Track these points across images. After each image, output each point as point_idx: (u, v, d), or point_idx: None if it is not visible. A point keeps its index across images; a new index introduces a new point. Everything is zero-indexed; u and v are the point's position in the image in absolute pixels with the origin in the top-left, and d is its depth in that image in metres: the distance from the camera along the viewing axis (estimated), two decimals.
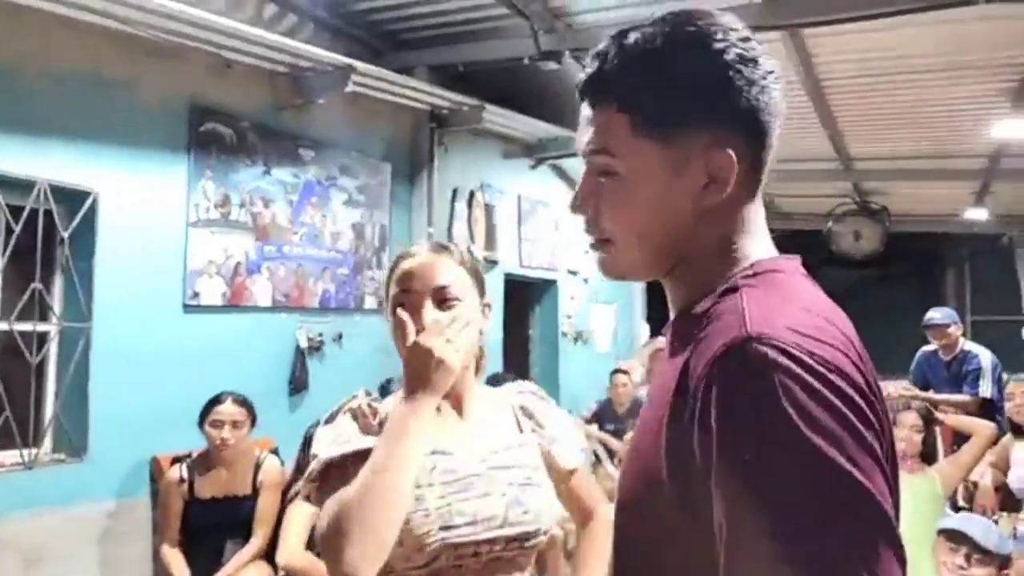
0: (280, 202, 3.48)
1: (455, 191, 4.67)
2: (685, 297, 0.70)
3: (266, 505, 2.55)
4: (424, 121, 4.23)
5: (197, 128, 3.11)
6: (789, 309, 0.61)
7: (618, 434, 4.51)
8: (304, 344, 3.55)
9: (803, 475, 0.53)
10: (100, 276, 2.83)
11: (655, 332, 6.92)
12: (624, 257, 0.71)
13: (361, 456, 1.00)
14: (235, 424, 2.57)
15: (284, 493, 2.60)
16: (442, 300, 1.09)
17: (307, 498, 1.15)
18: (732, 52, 0.65)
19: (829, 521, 0.52)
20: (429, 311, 1.07)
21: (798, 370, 0.55)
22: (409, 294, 1.10)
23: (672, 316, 0.73)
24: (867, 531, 0.53)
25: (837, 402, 0.55)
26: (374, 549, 0.94)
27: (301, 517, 2.42)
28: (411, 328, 1.04)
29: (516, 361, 5.84)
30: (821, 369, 0.56)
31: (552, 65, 3.98)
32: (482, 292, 1.18)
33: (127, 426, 2.82)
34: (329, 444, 1.06)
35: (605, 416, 4.68)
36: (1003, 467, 3.32)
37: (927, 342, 4.61)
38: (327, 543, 0.95)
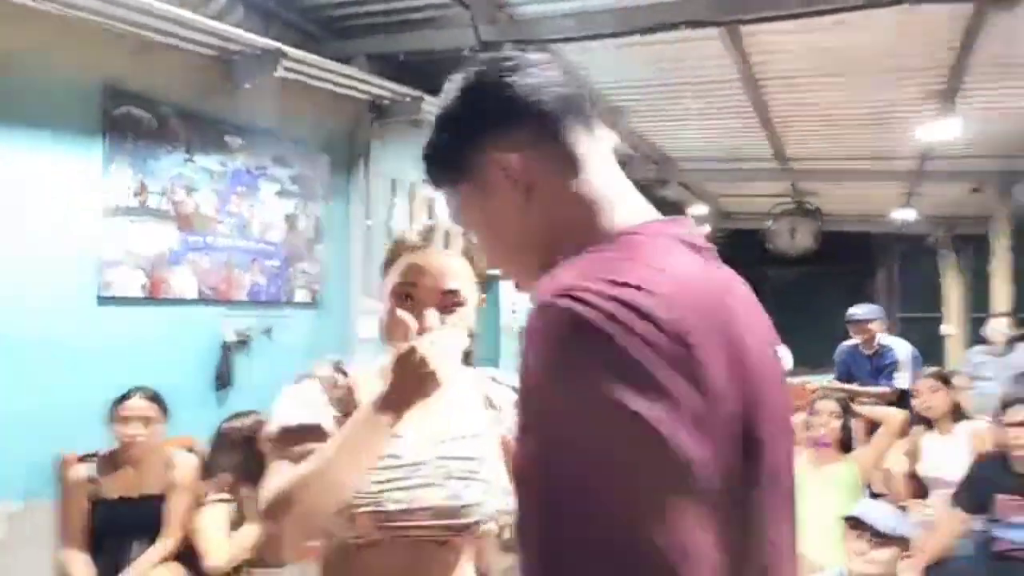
0: (205, 191, 3.34)
1: (394, 183, 4.58)
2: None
3: (177, 505, 2.44)
4: (364, 111, 4.13)
5: (112, 111, 2.95)
6: (620, 264, 0.61)
7: None
8: (231, 338, 3.42)
9: (580, 419, 0.54)
10: (2, 264, 2.66)
11: None
12: (522, 279, 0.75)
13: (316, 431, 1.03)
14: (145, 421, 2.45)
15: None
16: (448, 304, 1.08)
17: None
18: (489, 81, 0.74)
19: (604, 470, 0.52)
20: (433, 314, 1.06)
21: (584, 309, 0.55)
22: (417, 289, 1.08)
23: None
24: (650, 478, 0.52)
25: (631, 345, 0.54)
26: (311, 530, 1.01)
27: (218, 519, 2.33)
28: (413, 330, 1.03)
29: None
30: (623, 312, 0.55)
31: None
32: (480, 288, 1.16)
33: (32, 424, 2.66)
34: (292, 408, 1.07)
35: None
36: (914, 457, 3.45)
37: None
38: (271, 509, 0.97)
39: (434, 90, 4.26)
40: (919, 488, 3.45)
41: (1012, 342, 5.11)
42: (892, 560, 2.08)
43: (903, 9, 3.34)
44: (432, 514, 1.04)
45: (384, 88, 3.88)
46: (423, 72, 4.25)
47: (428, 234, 1.12)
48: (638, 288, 0.57)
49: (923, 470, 3.37)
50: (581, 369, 0.54)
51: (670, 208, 8.41)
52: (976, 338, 5.71)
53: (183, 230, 3.23)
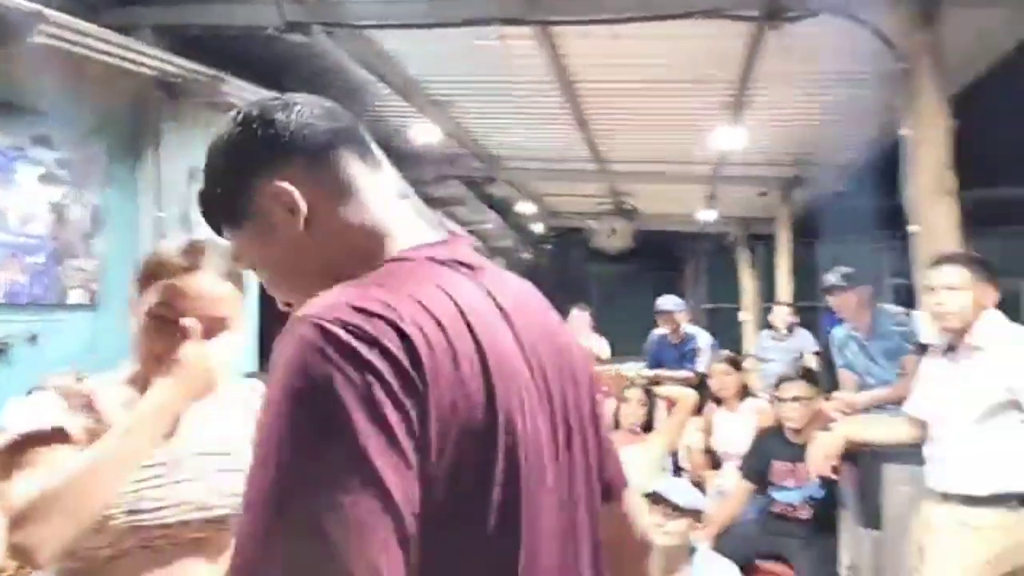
0: None
1: (192, 171, 4.18)
2: None
3: None
4: (150, 90, 3.71)
5: None
6: (366, 291, 0.64)
7: None
8: None
9: (289, 443, 0.56)
10: None
11: None
12: (300, 297, 0.74)
13: (59, 434, 1.01)
14: None
15: None
16: (214, 331, 1.08)
17: None
18: (256, 118, 0.75)
19: (304, 496, 0.54)
20: (192, 347, 1.06)
21: (317, 336, 0.59)
22: (176, 312, 1.07)
23: None
24: (342, 512, 0.54)
25: (352, 366, 0.57)
26: (71, 536, 0.95)
27: None
28: (196, 332, 1.05)
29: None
30: (345, 334, 0.59)
31: (299, 38, 3.72)
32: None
33: None
34: (25, 418, 1.03)
35: None
36: (707, 431, 3.76)
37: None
38: (25, 519, 0.93)
39: (234, 70, 4.00)
40: (713, 461, 3.76)
41: (792, 327, 5.76)
42: (686, 530, 2.23)
43: (695, 23, 3.61)
44: (193, 507, 1.05)
45: (172, 64, 3.52)
46: (221, 50, 3.93)
47: (194, 256, 1.09)
48: (373, 314, 0.60)
49: (715, 444, 3.67)
50: (304, 390, 0.58)
51: (499, 204, 8.65)
52: (766, 324, 6.37)
53: None
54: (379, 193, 0.76)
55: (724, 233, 9.71)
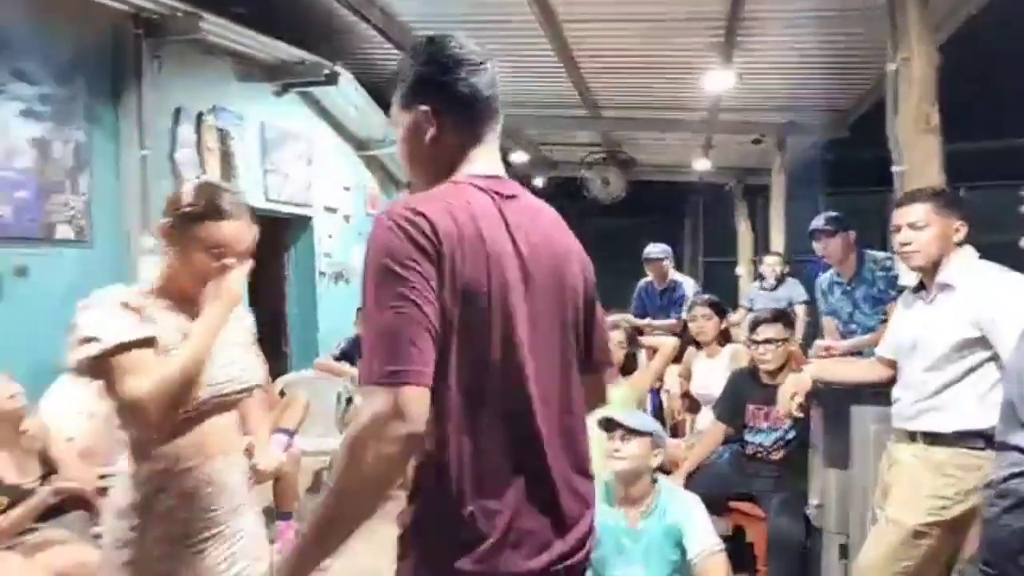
0: None
1: (178, 112, 4.14)
2: None
3: None
4: (128, 26, 3.64)
5: None
6: (424, 199, 1.08)
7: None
8: None
9: (372, 280, 1.02)
10: None
11: None
12: (410, 175, 1.21)
13: (148, 341, 1.44)
14: None
15: None
16: (240, 259, 1.54)
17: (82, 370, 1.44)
18: (427, 63, 1.15)
19: (380, 306, 1.00)
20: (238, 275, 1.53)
21: (388, 222, 1.03)
22: (226, 255, 1.50)
23: None
24: (396, 314, 0.99)
25: (396, 244, 1.01)
26: (183, 408, 1.45)
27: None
28: (234, 266, 1.52)
29: (271, 299, 5.51)
30: (390, 228, 1.02)
31: None
32: None
33: None
34: (115, 328, 1.41)
35: (355, 353, 4.59)
36: (687, 376, 3.80)
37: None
38: (153, 402, 1.39)
39: (216, 8, 3.91)
40: (694, 405, 3.82)
41: (782, 278, 5.76)
42: (643, 453, 2.27)
43: None
44: (233, 381, 1.56)
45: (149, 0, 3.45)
46: None
47: (239, 207, 1.52)
48: (419, 213, 1.03)
49: (694, 388, 3.72)
50: (378, 251, 1.02)
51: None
52: (759, 276, 6.37)
53: None
54: (471, 138, 1.16)
55: (721, 184, 9.63)
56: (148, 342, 1.43)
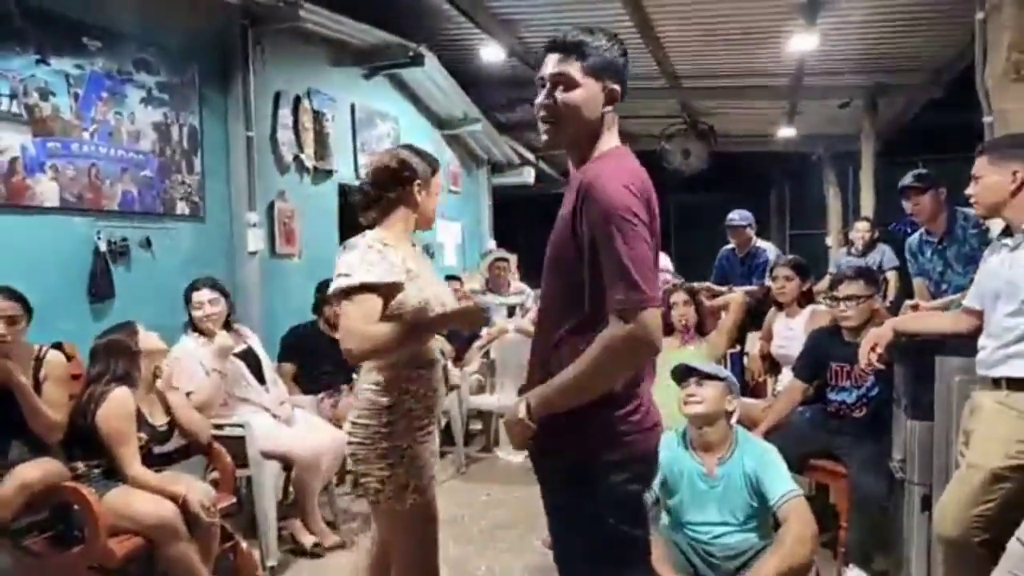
0: (62, 95, 3.17)
1: (278, 95, 4.46)
2: (580, 158, 1.51)
3: (52, 397, 2.45)
4: (236, 17, 3.96)
5: None
6: (619, 165, 1.44)
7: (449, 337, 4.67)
8: (104, 248, 3.33)
9: (616, 234, 1.35)
10: None
11: (502, 246, 7.14)
12: (558, 139, 1.50)
13: (396, 287, 1.81)
14: (11, 320, 2.41)
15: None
16: None
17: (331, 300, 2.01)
18: (616, 50, 1.49)
19: (624, 252, 1.35)
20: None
21: (613, 186, 1.37)
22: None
23: (572, 168, 1.54)
24: (640, 266, 1.35)
25: (631, 200, 1.37)
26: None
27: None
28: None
29: None
30: (624, 188, 1.38)
31: None
32: None
33: None
34: (362, 270, 1.78)
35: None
36: (767, 338, 3.79)
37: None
38: (356, 355, 1.81)
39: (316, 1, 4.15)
40: (774, 367, 3.81)
41: (873, 244, 5.58)
42: (719, 396, 2.34)
43: None
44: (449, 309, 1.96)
45: None
46: None
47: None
48: (638, 177, 1.43)
49: (773, 349, 3.71)
50: (616, 205, 1.36)
51: None
52: (848, 243, 6.18)
53: (40, 135, 3.07)
54: (615, 118, 1.52)
55: (808, 154, 9.31)
56: (385, 287, 1.78)
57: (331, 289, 1.83)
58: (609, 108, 1.48)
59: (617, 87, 1.48)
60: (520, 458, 4.58)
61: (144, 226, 3.59)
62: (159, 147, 3.65)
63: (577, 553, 1.51)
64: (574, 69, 1.44)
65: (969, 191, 2.18)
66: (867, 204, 6.85)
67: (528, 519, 3.42)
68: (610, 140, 1.50)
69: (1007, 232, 2.15)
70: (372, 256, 1.80)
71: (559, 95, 1.45)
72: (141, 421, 2.57)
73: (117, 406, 2.46)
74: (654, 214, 1.45)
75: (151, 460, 2.60)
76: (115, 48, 3.41)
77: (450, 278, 5.01)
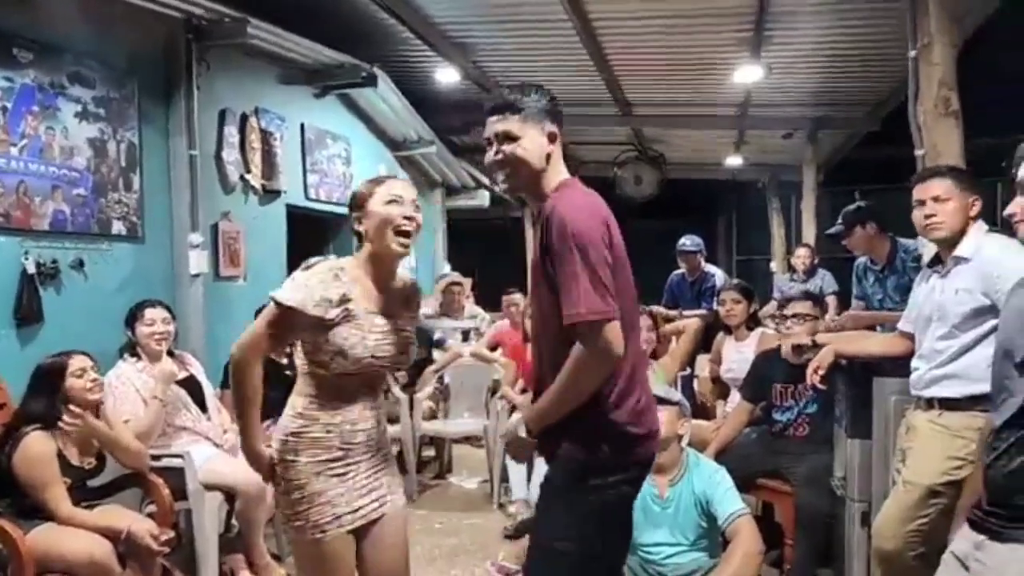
0: None
1: (223, 113, 4.37)
2: (537, 198, 1.67)
3: None
4: (179, 31, 3.87)
5: None
6: (577, 192, 1.63)
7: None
8: (32, 270, 3.17)
9: (573, 256, 1.50)
10: None
11: (456, 270, 7.12)
12: (515, 185, 1.68)
13: (304, 316, 1.74)
14: None
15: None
16: None
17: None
18: (545, 98, 1.67)
19: (582, 272, 1.50)
20: None
21: (578, 210, 1.56)
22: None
23: (533, 210, 1.72)
24: (597, 284, 1.50)
25: (587, 223, 1.54)
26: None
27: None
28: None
29: None
30: (588, 209, 1.57)
31: None
32: None
33: None
34: (302, 294, 1.73)
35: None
36: (717, 361, 3.86)
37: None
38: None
39: (260, 13, 4.11)
40: (723, 390, 3.87)
41: (812, 270, 5.76)
42: (672, 419, 2.36)
43: None
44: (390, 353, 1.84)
45: (199, 6, 3.66)
46: None
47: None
48: (599, 205, 1.61)
49: (723, 372, 3.77)
50: (577, 232, 1.52)
51: None
52: (791, 269, 6.36)
53: None
54: (559, 156, 1.69)
55: (754, 181, 9.59)
56: (293, 312, 1.72)
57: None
58: (553, 147, 1.65)
59: (555, 128, 1.66)
60: (474, 484, 4.53)
61: (77, 247, 3.44)
62: (95, 164, 3.52)
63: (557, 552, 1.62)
64: (513, 124, 1.62)
65: (931, 211, 2.13)
66: (809, 231, 7.07)
67: (482, 545, 3.35)
68: (560, 173, 1.67)
69: (937, 260, 2.23)
70: (313, 280, 1.73)
71: (506, 148, 1.63)
72: (64, 463, 2.43)
73: (33, 454, 2.34)
74: (614, 233, 1.59)
75: (84, 493, 2.48)
76: (48, 60, 3.29)
77: (452, 284, 4.99)
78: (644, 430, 1.65)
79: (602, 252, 1.51)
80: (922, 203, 2.18)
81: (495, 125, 1.64)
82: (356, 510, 1.80)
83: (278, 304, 1.73)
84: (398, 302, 1.87)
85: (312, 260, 1.86)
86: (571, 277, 1.49)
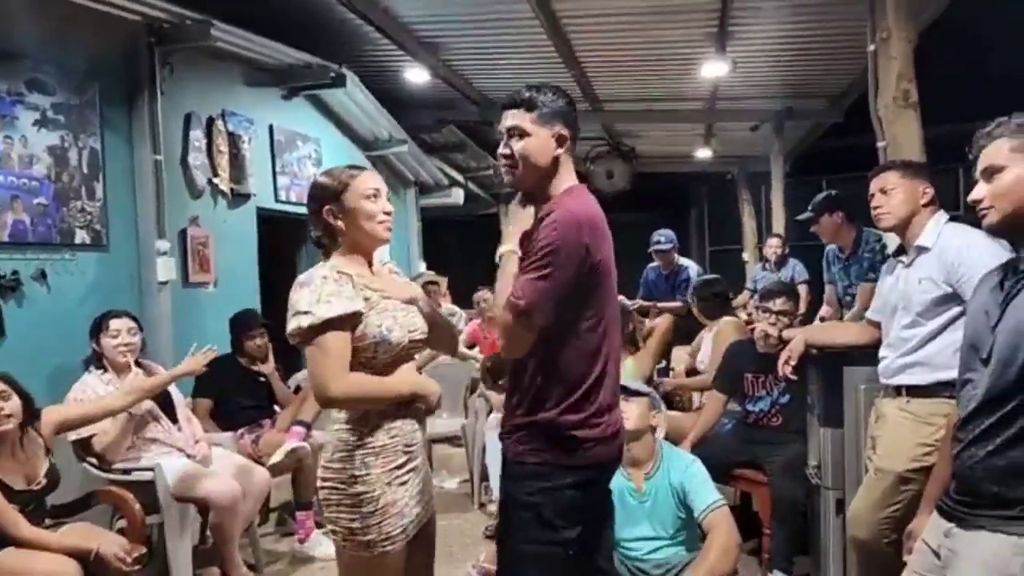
0: None
1: (189, 117, 4.29)
2: (540, 199, 1.69)
3: None
4: (141, 35, 3.78)
5: None
6: (578, 200, 1.65)
7: None
8: None
9: (546, 261, 1.56)
10: None
11: (431, 268, 7.09)
12: (523, 184, 1.71)
13: (357, 316, 1.68)
14: None
15: None
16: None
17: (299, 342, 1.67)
18: (561, 101, 1.68)
19: (546, 277, 1.57)
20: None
21: (570, 219, 1.58)
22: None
23: (536, 212, 1.69)
24: (549, 294, 1.57)
25: (573, 248, 1.56)
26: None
27: None
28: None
29: (285, 296, 5.63)
30: (580, 220, 1.59)
31: None
32: None
33: None
34: (338, 302, 1.65)
35: None
36: (694, 353, 3.90)
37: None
38: (343, 403, 1.71)
39: (225, 15, 4.05)
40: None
41: (783, 259, 5.84)
42: (644, 412, 2.39)
43: None
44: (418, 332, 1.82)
45: (160, 9, 3.59)
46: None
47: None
48: (584, 210, 1.62)
49: (699, 365, 3.82)
50: (562, 238, 1.57)
51: (494, 148, 8.71)
52: (763, 259, 6.43)
53: None
54: (569, 161, 1.71)
55: (724, 173, 9.70)
56: (348, 319, 1.65)
57: (289, 328, 1.66)
58: (561, 151, 1.66)
59: (566, 132, 1.66)
60: (454, 484, 4.51)
61: (39, 257, 3.36)
62: (55, 172, 3.44)
63: (526, 552, 1.64)
64: (525, 120, 1.64)
65: (877, 203, 2.23)
66: (779, 221, 7.17)
67: (463, 546, 3.35)
68: (566, 180, 1.68)
69: (901, 250, 2.28)
70: (329, 288, 1.66)
71: (514, 144, 1.65)
72: (9, 492, 2.30)
73: None
74: (607, 240, 1.65)
75: (45, 513, 2.40)
76: (4, 68, 3.20)
77: (429, 283, 4.92)
78: (599, 433, 1.66)
79: (570, 272, 1.56)
80: (872, 195, 2.26)
81: (508, 120, 1.66)
82: (416, 518, 1.76)
83: (334, 323, 1.64)
84: (392, 279, 1.88)
85: (302, 277, 1.74)
86: (536, 271, 1.56)
